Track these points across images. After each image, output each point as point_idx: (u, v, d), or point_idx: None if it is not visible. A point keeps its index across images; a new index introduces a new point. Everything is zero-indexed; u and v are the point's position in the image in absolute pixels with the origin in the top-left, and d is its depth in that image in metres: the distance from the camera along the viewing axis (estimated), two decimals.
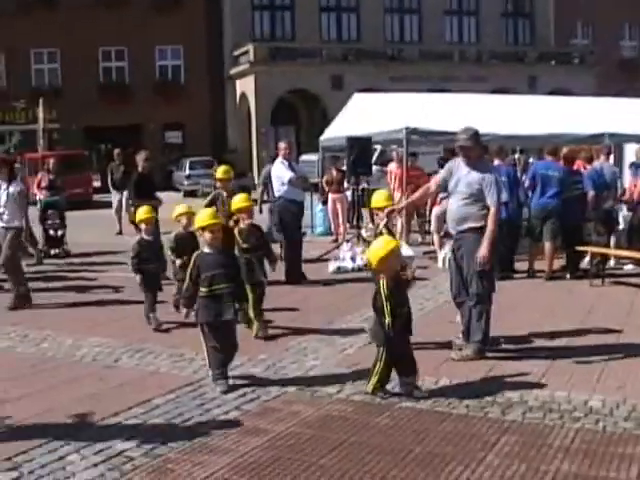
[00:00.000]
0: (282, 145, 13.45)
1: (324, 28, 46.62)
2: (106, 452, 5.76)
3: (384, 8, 47.30)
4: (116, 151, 22.48)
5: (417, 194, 9.02)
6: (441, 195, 12.55)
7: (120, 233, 20.49)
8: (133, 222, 13.80)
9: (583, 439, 5.84)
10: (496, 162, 13.03)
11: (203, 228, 7.48)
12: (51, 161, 18.65)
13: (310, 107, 44.35)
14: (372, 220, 22.02)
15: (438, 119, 15.72)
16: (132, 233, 15.80)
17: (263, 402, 6.81)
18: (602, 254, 12.97)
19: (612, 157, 15.81)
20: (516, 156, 20.55)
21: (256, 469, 5.42)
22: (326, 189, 19.02)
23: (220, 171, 12.15)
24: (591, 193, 13.19)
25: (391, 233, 8.42)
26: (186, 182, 37.41)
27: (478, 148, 8.23)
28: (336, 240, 17.65)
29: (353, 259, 14.42)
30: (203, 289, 7.22)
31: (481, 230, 7.93)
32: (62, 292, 12.52)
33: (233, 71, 44.27)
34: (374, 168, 19.67)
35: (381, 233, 8.21)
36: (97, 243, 18.57)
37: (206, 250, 7.49)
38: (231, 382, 7.23)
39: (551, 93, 33.71)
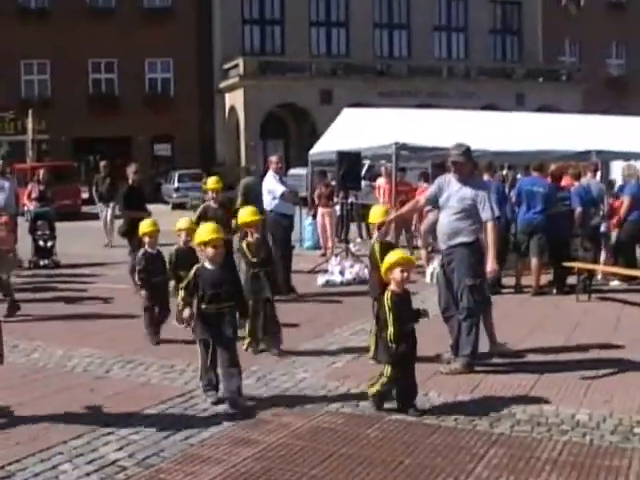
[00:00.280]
0: (274, 159, 13.54)
1: (314, 43, 46.89)
2: (99, 462, 5.80)
3: (373, 23, 47.61)
4: (102, 163, 22.53)
5: (406, 207, 9.16)
6: (426, 208, 12.64)
7: (108, 245, 20.53)
8: (124, 234, 13.86)
9: (570, 452, 5.93)
10: (485, 178, 13.14)
11: (205, 243, 7.19)
12: (41, 172, 18.68)
13: (299, 121, 44.51)
14: (360, 234, 22.21)
15: (427, 135, 15.87)
16: (121, 245, 15.87)
17: (254, 413, 6.86)
18: (589, 270, 13.10)
19: (599, 174, 15.95)
20: (504, 172, 20.70)
21: (248, 479, 5.48)
22: (317, 202, 19.12)
23: (211, 181, 12.04)
24: (578, 209, 13.34)
25: (391, 246, 8.51)
26: (175, 195, 37.44)
27: (470, 164, 8.37)
28: (324, 254, 17.74)
29: (342, 273, 14.51)
30: (203, 305, 7.03)
31: (472, 245, 8.06)
32: (52, 303, 12.54)
33: (223, 84, 44.41)
34: (363, 183, 19.77)
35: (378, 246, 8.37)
36: (86, 254, 18.60)
37: (207, 265, 7.22)
38: (220, 394, 7.17)
39: (539, 110, 33.96)
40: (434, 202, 8.58)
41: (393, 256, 7.00)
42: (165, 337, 9.65)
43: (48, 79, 43.34)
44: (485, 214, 8.16)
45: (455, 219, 8.19)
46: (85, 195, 34.02)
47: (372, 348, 8.52)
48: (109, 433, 6.40)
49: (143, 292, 9.78)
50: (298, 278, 13.67)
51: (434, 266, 12.42)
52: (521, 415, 6.77)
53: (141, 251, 10.05)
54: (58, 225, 17.97)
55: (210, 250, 7.15)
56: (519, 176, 19.17)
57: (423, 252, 15.28)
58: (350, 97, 36.91)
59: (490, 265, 8.08)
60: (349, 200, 18.22)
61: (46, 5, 42.94)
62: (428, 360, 8.41)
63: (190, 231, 9.82)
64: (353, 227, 20.33)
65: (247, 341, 8.93)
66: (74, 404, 7.20)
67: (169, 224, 19.25)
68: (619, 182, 16.72)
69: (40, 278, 15.26)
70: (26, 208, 17.79)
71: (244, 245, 9.20)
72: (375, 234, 8.66)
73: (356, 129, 18.04)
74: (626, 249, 14.41)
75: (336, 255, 15.80)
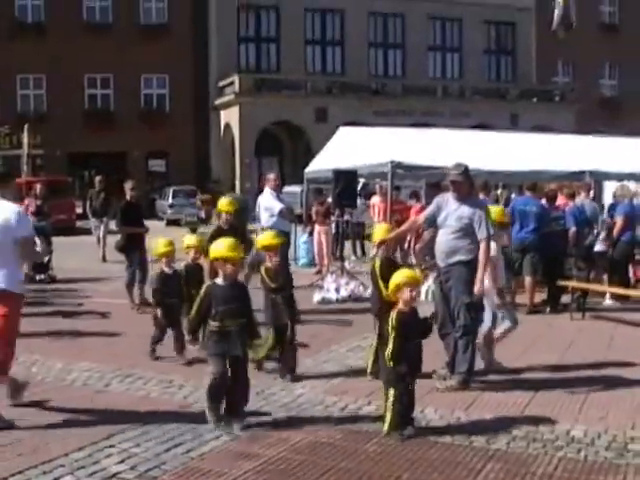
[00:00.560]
0: (271, 176, 13.66)
1: (309, 61, 47.12)
2: (100, 474, 5.88)
3: (368, 42, 47.86)
4: (97, 178, 22.60)
5: (404, 226, 9.27)
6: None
7: (104, 260, 20.63)
8: (121, 250, 13.95)
9: (565, 467, 6.03)
10: (481, 197, 13.25)
11: (226, 259, 6.97)
12: (38, 187, 18.77)
13: (294, 139, 44.68)
14: (355, 252, 22.33)
15: (423, 154, 16.01)
16: (115, 260, 15.96)
17: (253, 428, 6.93)
18: (582, 289, 13.21)
19: (592, 194, 16.09)
20: (498, 192, 20.86)
21: None
22: (313, 220, 19.24)
23: (224, 203, 11.71)
24: (572, 229, 13.49)
25: (393, 263, 8.62)
26: (169, 211, 37.47)
27: (468, 183, 8.49)
28: (320, 271, 17.83)
29: (337, 290, 14.61)
30: (214, 323, 6.87)
31: (470, 263, 8.17)
32: (49, 317, 12.58)
33: (218, 101, 44.56)
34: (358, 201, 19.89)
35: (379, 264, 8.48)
36: (81, 269, 18.68)
37: (219, 282, 7.06)
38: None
39: (532, 129, 34.10)
40: (432, 221, 8.70)
41: (401, 276, 6.99)
42: (163, 350, 9.74)
43: (44, 94, 43.38)
44: (481, 233, 8.28)
45: (453, 238, 8.31)
46: (79, 210, 34.11)
47: (370, 364, 8.62)
48: (110, 446, 6.47)
49: (158, 311, 9.66)
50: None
51: (428, 284, 12.52)
52: (517, 431, 6.87)
53: (157, 270, 9.96)
54: (53, 240, 18.03)
55: (229, 267, 6.99)
56: (513, 195, 19.33)
57: (417, 270, 15.35)
58: (345, 115, 37.13)
59: (478, 286, 8.16)
60: (344, 218, 18.34)
61: (42, 20, 43.04)
62: (424, 376, 8.49)
63: (199, 248, 9.84)
64: (347, 245, 20.44)
65: (258, 360, 8.66)
66: (74, 417, 7.28)
67: None
68: (608, 202, 16.88)
69: (37, 293, 15.30)
70: None
71: (263, 270, 8.88)
72: (374, 251, 8.75)
73: (352, 147, 18.17)
74: (619, 268, 14.55)
75: (332, 273, 15.89)
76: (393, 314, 6.85)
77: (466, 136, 19.41)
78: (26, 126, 33.35)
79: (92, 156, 41.55)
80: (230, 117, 43.51)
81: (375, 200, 22.11)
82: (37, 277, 16.69)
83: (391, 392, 6.73)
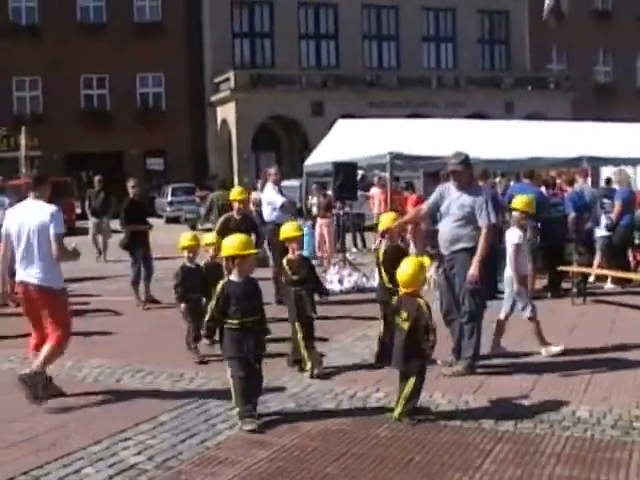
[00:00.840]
0: (272, 171, 13.76)
1: (303, 55, 47.22)
2: (119, 465, 6.02)
3: (362, 35, 47.95)
4: (97, 178, 22.67)
5: (409, 215, 9.39)
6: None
7: (100, 255, 20.92)
8: (125, 247, 14.07)
9: (573, 446, 6.17)
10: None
11: (243, 256, 6.95)
12: None
13: (291, 133, 44.81)
14: (355, 244, 22.46)
15: (421, 144, 16.11)
16: (117, 259, 16.07)
17: (265, 417, 7.06)
18: (583, 273, 13.35)
19: (589, 180, 16.23)
20: (497, 180, 20.94)
21: (265, 478, 5.70)
22: (315, 213, 19.37)
23: (236, 192, 11.83)
24: (572, 215, 13.61)
25: (400, 249, 8.75)
26: (169, 208, 37.56)
27: (468, 172, 8.61)
28: (321, 264, 17.94)
29: (340, 282, 14.74)
30: (233, 321, 6.83)
31: (473, 250, 8.31)
32: None
33: (214, 98, 44.66)
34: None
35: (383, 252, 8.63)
36: (84, 269, 18.73)
37: (233, 278, 7.02)
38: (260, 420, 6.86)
39: (527, 118, 34.28)
40: (435, 209, 8.83)
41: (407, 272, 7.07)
42: (171, 345, 9.87)
43: (40, 95, 43.45)
44: (482, 220, 8.41)
45: (456, 226, 8.45)
46: (78, 210, 34.18)
47: (377, 352, 8.77)
48: (126, 439, 6.61)
49: (182, 306, 9.62)
50: None
51: (430, 273, 12.63)
52: (524, 413, 7.01)
53: (180, 264, 9.91)
54: None
55: (245, 263, 6.99)
56: (512, 183, 19.44)
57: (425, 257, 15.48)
58: (341, 108, 37.19)
59: (473, 269, 8.27)
60: (345, 210, 18.46)
61: (37, 22, 43.11)
62: (431, 362, 8.64)
63: (218, 246, 9.57)
64: (348, 237, 20.55)
65: (309, 366, 8.46)
66: (88, 413, 7.42)
67: (164, 238, 19.63)
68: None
69: None
70: None
71: (284, 262, 8.85)
72: (378, 241, 8.86)
73: (350, 140, 18.25)
74: (619, 252, 14.70)
75: (334, 265, 16.01)
76: (422, 301, 6.95)
77: (463, 125, 19.54)
78: (23, 128, 33.48)
79: (89, 156, 41.66)
80: (226, 113, 43.61)
81: (374, 191, 22.25)
82: None
83: (411, 380, 6.86)
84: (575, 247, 13.88)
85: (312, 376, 8.39)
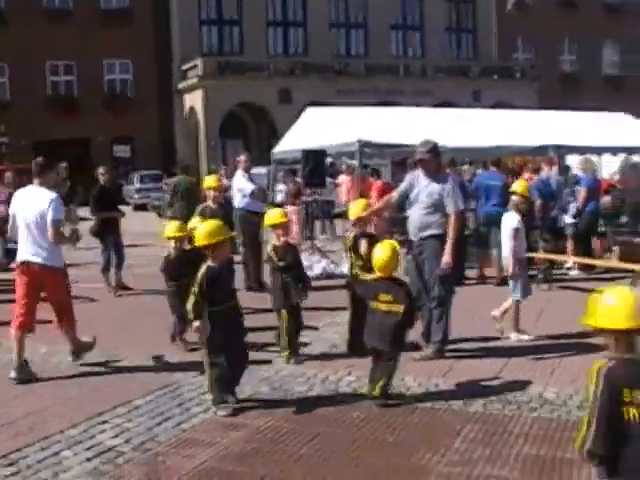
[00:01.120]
0: (242, 158, 13.82)
1: (271, 42, 47.17)
2: (97, 448, 6.12)
3: (330, 23, 47.97)
4: (62, 165, 22.49)
5: (380, 204, 9.51)
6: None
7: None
8: (96, 234, 14.07)
9: (540, 426, 6.37)
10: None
11: (223, 242, 7.07)
12: (10, 175, 18.74)
13: (258, 120, 44.79)
14: (323, 231, 22.59)
15: (390, 132, 16.22)
16: (87, 247, 16.03)
17: (239, 400, 7.18)
18: (549, 260, 13.58)
19: (555, 168, 16.46)
20: (464, 168, 21.14)
21: (241, 458, 5.83)
22: (284, 200, 19.45)
23: (210, 180, 11.76)
24: (538, 202, 13.82)
25: (372, 237, 8.88)
26: (136, 196, 37.49)
27: (436, 160, 8.76)
28: None
29: (310, 268, 14.83)
30: (216, 307, 6.90)
31: (442, 237, 8.47)
32: None
33: (182, 85, 44.53)
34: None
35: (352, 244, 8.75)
36: None
37: (212, 264, 7.04)
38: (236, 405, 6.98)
39: (494, 106, 34.49)
40: (405, 197, 8.97)
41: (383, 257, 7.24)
42: (144, 331, 9.95)
43: (7, 82, 43.05)
44: (450, 207, 8.58)
45: (425, 213, 8.61)
46: None
47: (347, 337, 8.92)
48: (103, 422, 6.72)
49: (168, 294, 9.54)
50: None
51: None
52: (492, 395, 7.20)
53: (165, 252, 9.81)
54: None
55: (221, 249, 7.08)
56: (479, 171, 19.66)
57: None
58: (309, 96, 37.18)
59: (445, 257, 8.45)
60: (314, 197, 18.56)
61: (3, 7, 42.66)
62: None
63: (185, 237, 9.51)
64: (317, 224, 20.68)
65: (286, 354, 8.56)
66: (64, 397, 7.50)
67: (133, 225, 19.65)
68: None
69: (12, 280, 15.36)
70: None
71: (270, 248, 8.81)
72: (350, 228, 8.98)
73: (319, 127, 18.28)
74: (584, 239, 14.97)
75: (303, 251, 16.11)
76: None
77: (431, 114, 19.67)
78: None
79: (57, 143, 41.30)
80: (194, 100, 43.50)
81: (343, 178, 22.38)
82: (12, 264, 16.69)
83: (393, 361, 7.06)
84: (540, 234, 14.08)
85: (287, 362, 8.48)
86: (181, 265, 9.18)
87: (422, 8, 49.70)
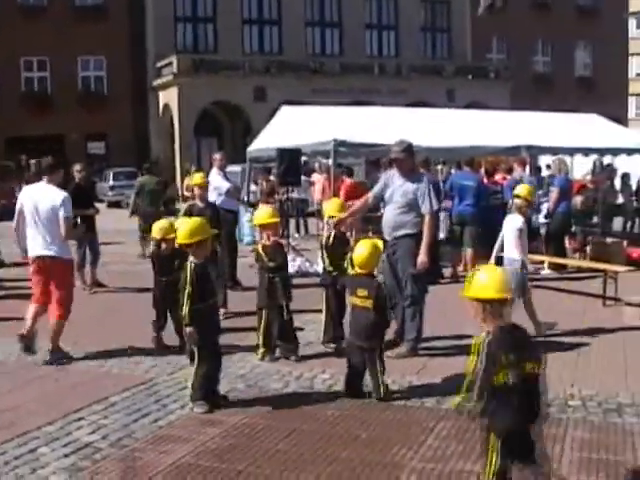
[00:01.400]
0: (218, 156, 13.84)
1: (246, 40, 47.09)
2: (74, 445, 6.17)
3: (305, 22, 48.01)
4: (33, 162, 22.33)
5: (357, 205, 9.57)
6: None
7: None
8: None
9: None
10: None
11: (206, 239, 7.12)
12: None
13: (233, 119, 44.77)
14: (298, 229, 22.66)
15: (365, 132, 16.31)
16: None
17: (215, 397, 7.24)
18: None
19: (527, 168, 16.64)
20: (438, 167, 21.32)
21: (218, 454, 5.91)
22: (258, 199, 19.49)
23: (197, 177, 11.66)
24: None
25: (346, 240, 8.98)
26: (110, 193, 37.42)
27: (411, 160, 8.87)
28: None
29: None
30: (203, 304, 6.95)
31: (415, 236, 8.58)
32: (2, 300, 12.67)
33: (156, 82, 44.40)
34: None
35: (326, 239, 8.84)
36: None
37: (197, 261, 7.06)
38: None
39: (468, 106, 34.75)
40: (380, 198, 9.08)
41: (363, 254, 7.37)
42: (119, 328, 9.97)
43: None
44: (424, 207, 8.69)
45: (399, 213, 8.71)
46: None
47: (322, 335, 9.02)
48: (80, 419, 6.76)
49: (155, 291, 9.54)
50: (242, 272, 14.00)
51: None
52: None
53: (152, 249, 9.85)
54: None
55: (203, 247, 7.10)
56: (453, 171, 19.83)
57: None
58: (284, 94, 37.23)
59: (421, 256, 8.56)
60: (288, 195, 18.61)
61: None
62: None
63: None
64: (291, 222, 20.73)
65: (262, 351, 8.59)
66: (40, 394, 7.53)
67: (106, 223, 19.60)
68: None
69: None
70: None
71: (259, 248, 8.77)
72: (327, 228, 9.07)
73: (294, 126, 18.35)
74: (556, 239, 15.15)
75: None
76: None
77: (405, 114, 19.78)
78: None
79: (30, 140, 41.11)
80: (169, 98, 43.40)
81: (317, 177, 22.44)
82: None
83: (380, 356, 7.21)
84: None
85: (262, 359, 8.55)
86: (174, 261, 9.05)
87: (397, 8, 49.89)
